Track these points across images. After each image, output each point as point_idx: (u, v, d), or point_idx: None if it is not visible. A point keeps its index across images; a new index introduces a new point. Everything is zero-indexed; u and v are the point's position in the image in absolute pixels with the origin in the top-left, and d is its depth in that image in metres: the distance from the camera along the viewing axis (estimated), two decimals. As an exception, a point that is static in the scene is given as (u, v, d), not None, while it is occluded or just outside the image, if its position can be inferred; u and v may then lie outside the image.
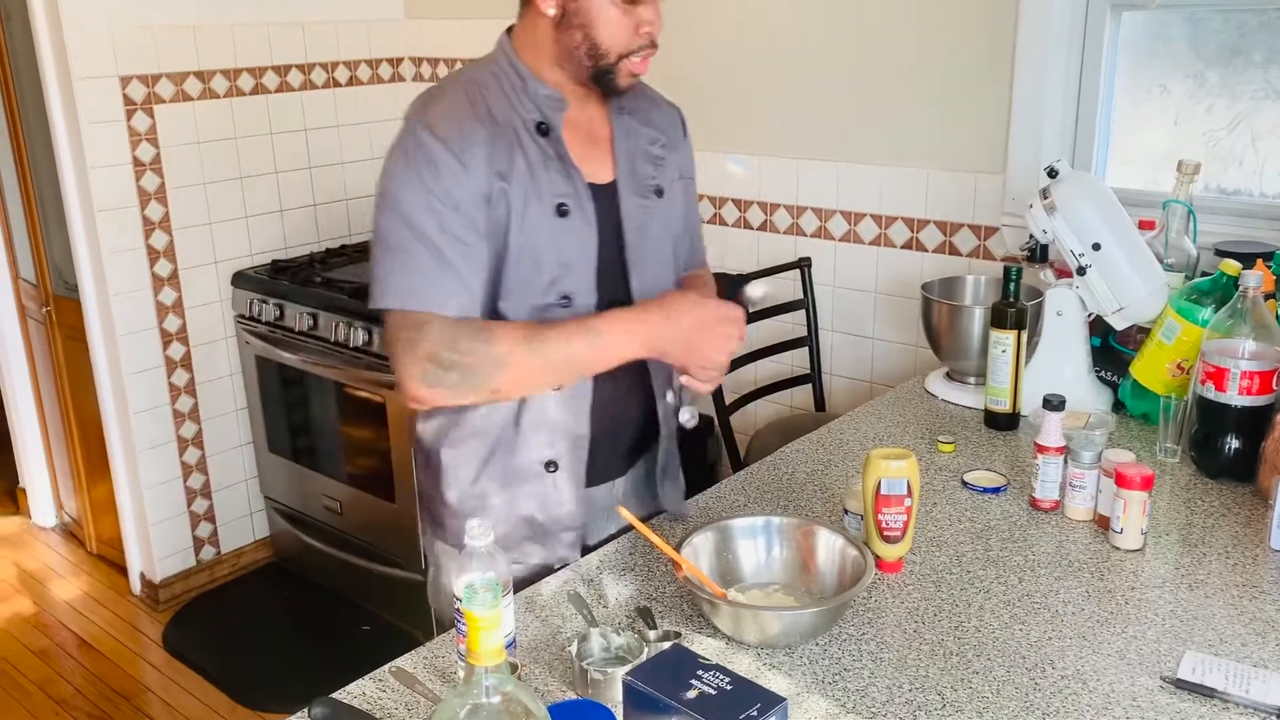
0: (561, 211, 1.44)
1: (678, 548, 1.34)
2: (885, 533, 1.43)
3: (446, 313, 1.38)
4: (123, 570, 3.41)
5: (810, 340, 2.69)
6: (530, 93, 1.45)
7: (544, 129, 1.45)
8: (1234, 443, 1.67)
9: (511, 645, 1.23)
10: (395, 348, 1.40)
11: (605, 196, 1.49)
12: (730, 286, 1.57)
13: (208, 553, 3.40)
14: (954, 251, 2.51)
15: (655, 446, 1.62)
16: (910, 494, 1.42)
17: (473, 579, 1.13)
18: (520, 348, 1.36)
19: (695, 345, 1.40)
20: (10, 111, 3.26)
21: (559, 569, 1.52)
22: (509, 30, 1.50)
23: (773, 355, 2.69)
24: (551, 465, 1.51)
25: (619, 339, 1.39)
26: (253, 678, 2.95)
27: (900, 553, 1.45)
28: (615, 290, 1.50)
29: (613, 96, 1.49)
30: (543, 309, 1.45)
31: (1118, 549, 1.50)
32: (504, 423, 1.49)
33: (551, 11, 1.41)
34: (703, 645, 1.29)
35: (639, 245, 1.51)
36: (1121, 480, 1.48)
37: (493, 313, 1.45)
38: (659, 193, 1.55)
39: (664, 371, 1.56)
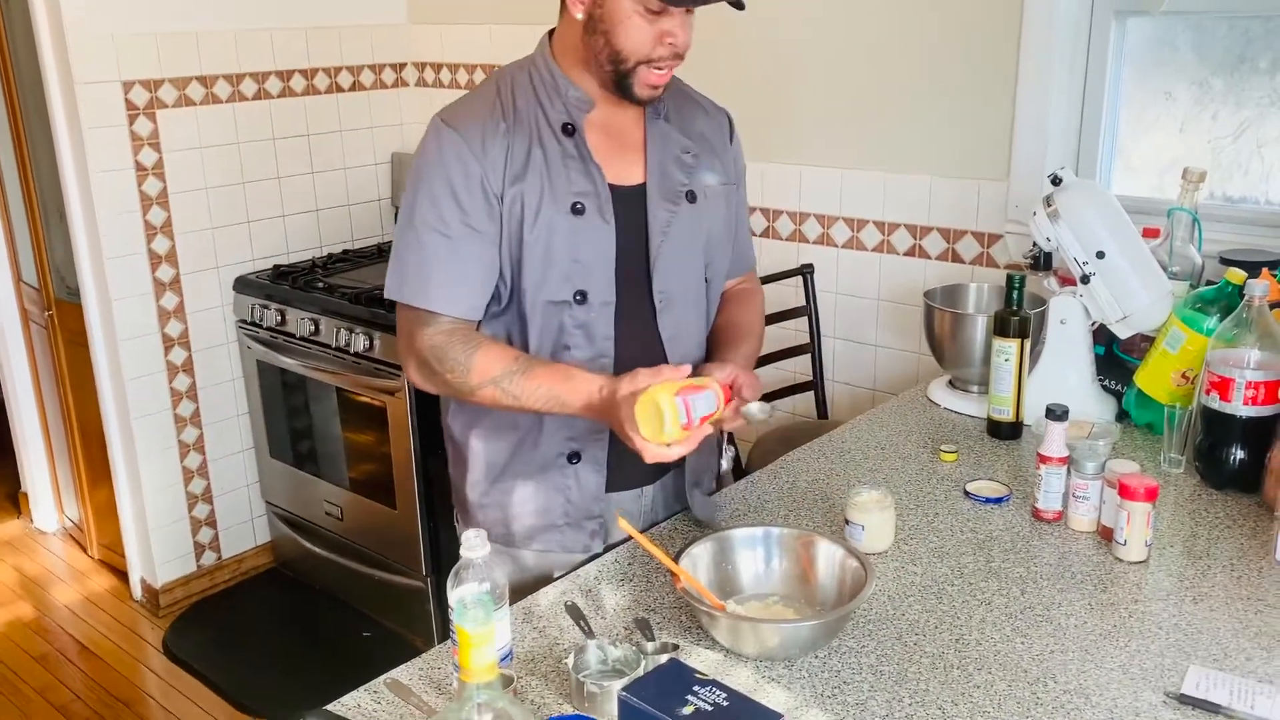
0: (576, 209, 1.46)
1: (676, 558, 1.33)
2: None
3: (447, 312, 1.47)
4: (124, 575, 3.40)
5: (813, 347, 2.67)
6: (561, 93, 1.48)
7: (569, 129, 1.47)
8: (1239, 453, 1.66)
9: (508, 657, 1.22)
10: (400, 337, 1.53)
11: (633, 199, 1.51)
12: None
13: (209, 558, 3.39)
14: (957, 258, 2.50)
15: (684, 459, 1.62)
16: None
17: (466, 592, 1.12)
18: (490, 386, 1.44)
19: (621, 430, 1.38)
20: (13, 115, 3.25)
21: (558, 576, 1.52)
22: (550, 32, 1.53)
23: (775, 362, 2.68)
24: (574, 456, 1.55)
25: (578, 412, 1.43)
26: (253, 683, 2.94)
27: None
28: (638, 291, 1.53)
29: (637, 104, 1.49)
30: (558, 305, 1.49)
31: (1121, 561, 1.49)
32: (528, 416, 1.52)
33: (580, 16, 1.43)
34: (701, 657, 1.28)
35: (664, 249, 1.52)
36: (1125, 491, 1.46)
37: (513, 305, 1.50)
38: (690, 197, 1.55)
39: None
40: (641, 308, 1.53)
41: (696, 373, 1.52)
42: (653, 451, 1.34)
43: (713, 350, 1.64)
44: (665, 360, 1.55)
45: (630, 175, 1.52)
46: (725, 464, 1.57)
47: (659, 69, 1.43)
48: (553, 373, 1.43)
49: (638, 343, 1.54)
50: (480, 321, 1.53)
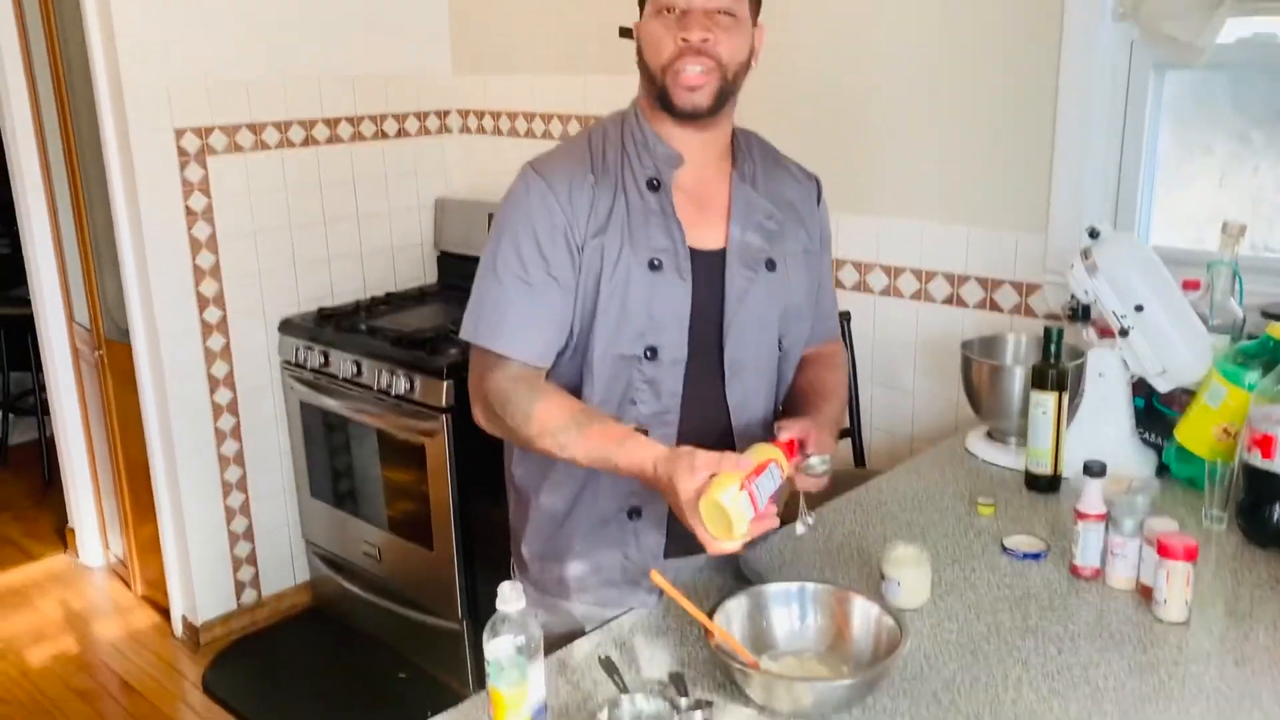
0: (654, 265, 1.47)
1: (711, 613, 1.34)
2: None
3: (517, 355, 1.48)
4: (166, 612, 3.45)
5: (850, 394, 2.67)
6: (650, 148, 1.50)
7: (655, 184, 1.49)
8: (1282, 512, 1.64)
9: (542, 710, 1.22)
10: (471, 378, 1.54)
11: (712, 263, 1.52)
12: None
13: (249, 596, 3.43)
14: (995, 307, 2.50)
15: None
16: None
17: (501, 647, 1.13)
18: (547, 437, 1.43)
19: (683, 518, 1.33)
20: (70, 161, 3.35)
21: (590, 629, 1.52)
22: None
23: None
24: (635, 512, 1.56)
25: (629, 475, 1.40)
26: (289, 723, 2.96)
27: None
28: (709, 356, 1.53)
29: (682, 116, 1.47)
30: (627, 359, 1.49)
31: (1161, 621, 1.47)
32: (591, 469, 1.51)
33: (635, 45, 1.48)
34: (735, 714, 1.28)
35: (739, 316, 1.52)
36: (1164, 550, 1.45)
37: (576, 357, 1.51)
38: (770, 265, 1.55)
39: (751, 441, 1.57)
40: (711, 372, 1.53)
41: (769, 431, 1.53)
42: (720, 547, 1.30)
43: (792, 411, 1.61)
44: (729, 425, 1.55)
45: (711, 239, 1.53)
46: (801, 529, 1.50)
47: (689, 70, 1.43)
48: (607, 434, 1.41)
49: (703, 406, 1.53)
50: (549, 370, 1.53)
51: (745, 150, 1.59)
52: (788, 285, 1.58)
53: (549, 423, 1.43)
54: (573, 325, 1.51)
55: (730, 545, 1.30)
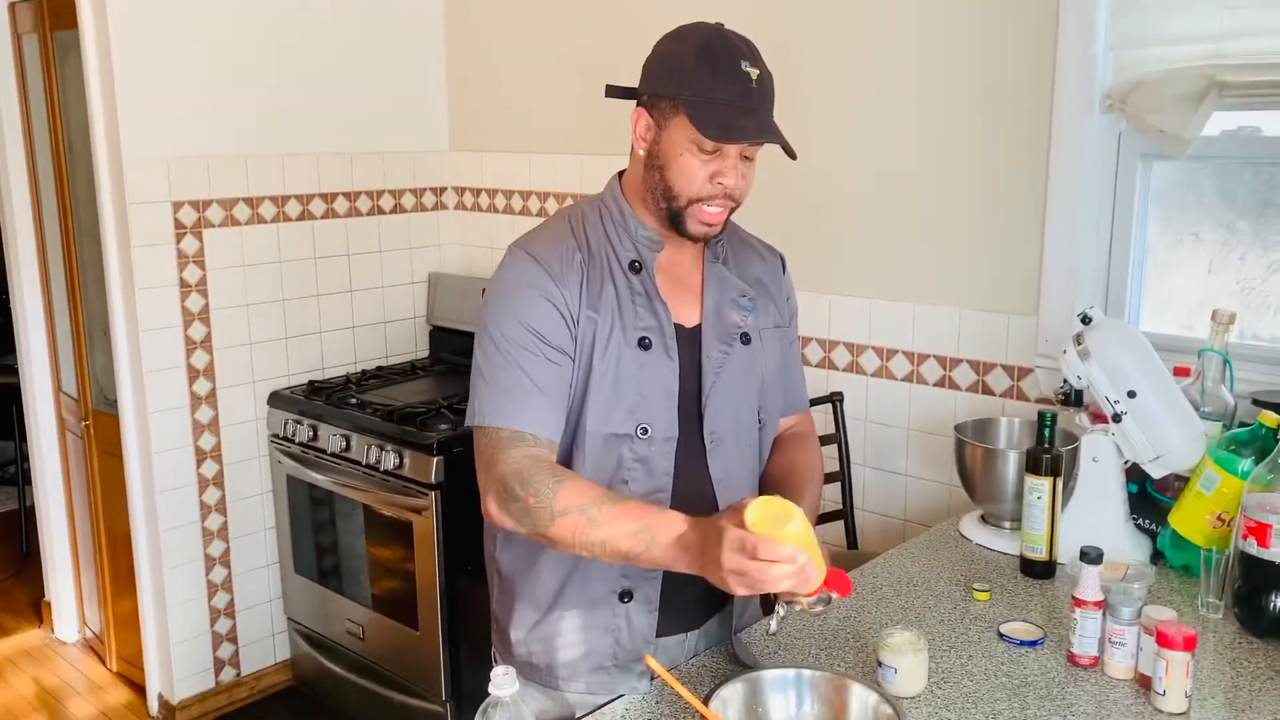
0: (644, 344, 1.49)
1: (707, 699, 1.31)
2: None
3: (531, 430, 1.44)
4: (141, 690, 3.37)
5: (842, 475, 2.67)
6: (630, 231, 1.53)
7: (636, 266, 1.51)
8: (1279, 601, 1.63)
9: (533, 800, 1.19)
10: (479, 463, 1.48)
11: (690, 338, 1.54)
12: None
13: (228, 674, 3.35)
14: (987, 391, 2.50)
15: (730, 602, 1.61)
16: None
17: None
18: (576, 514, 1.36)
19: (721, 581, 1.28)
20: (65, 231, 3.37)
21: (584, 715, 1.49)
22: (621, 173, 1.58)
23: (804, 490, 2.66)
24: (626, 595, 1.53)
25: (668, 556, 1.33)
26: (265, 808, 2.87)
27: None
28: (690, 430, 1.54)
29: (692, 241, 1.52)
30: (619, 438, 1.49)
31: (1161, 712, 1.45)
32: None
33: (642, 152, 1.49)
34: (730, 805, 1.25)
35: (716, 389, 1.54)
36: (1163, 640, 1.44)
37: (574, 432, 1.50)
38: (745, 339, 1.58)
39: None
40: (694, 446, 1.54)
41: None
42: (757, 570, 1.22)
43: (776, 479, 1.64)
44: (714, 499, 1.55)
45: (687, 316, 1.55)
46: (774, 625, 1.48)
47: (711, 208, 1.46)
48: (644, 506, 1.39)
49: (688, 481, 1.53)
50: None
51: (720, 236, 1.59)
52: (762, 358, 1.61)
53: (577, 500, 1.37)
54: (574, 399, 1.50)
55: (764, 569, 1.22)
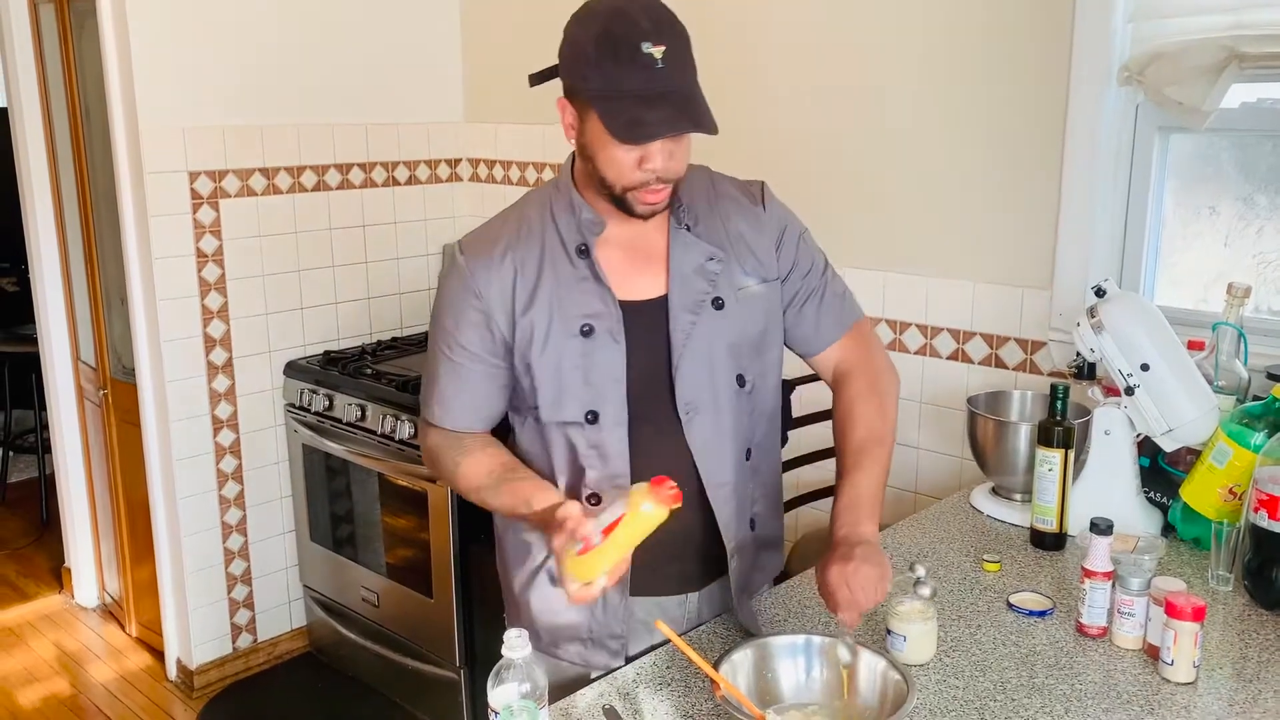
0: (585, 331, 1.48)
1: (716, 664, 1.33)
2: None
3: (443, 424, 1.58)
4: (160, 654, 3.42)
5: (854, 448, 2.67)
6: (576, 214, 1.51)
7: (583, 250, 1.50)
8: (1289, 573, 1.63)
9: (545, 760, 1.21)
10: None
11: (654, 312, 1.52)
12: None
13: (244, 640, 3.40)
14: (1000, 364, 2.50)
15: (732, 562, 1.61)
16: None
17: (507, 694, 1.13)
18: (473, 495, 1.56)
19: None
20: (83, 201, 3.39)
21: (595, 678, 1.51)
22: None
23: (815, 462, 2.67)
24: None
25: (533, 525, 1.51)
26: (282, 771, 2.92)
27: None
28: (663, 405, 1.52)
29: (643, 219, 1.47)
30: (571, 425, 1.52)
31: (1168, 681, 1.46)
32: None
33: (571, 143, 1.47)
34: (739, 767, 1.26)
35: (684, 359, 1.51)
36: (1172, 610, 1.45)
37: (534, 424, 1.56)
38: (717, 304, 1.53)
39: (729, 492, 1.57)
40: (669, 421, 1.52)
41: (745, 471, 1.58)
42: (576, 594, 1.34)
43: (837, 469, 1.58)
44: (696, 471, 1.53)
45: (652, 288, 1.52)
46: (845, 655, 1.38)
47: (648, 193, 1.42)
48: (514, 493, 1.50)
49: (665, 459, 1.51)
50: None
51: (683, 195, 1.53)
52: (740, 320, 1.55)
53: (472, 481, 1.54)
54: (521, 396, 1.56)
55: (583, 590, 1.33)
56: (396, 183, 3.55)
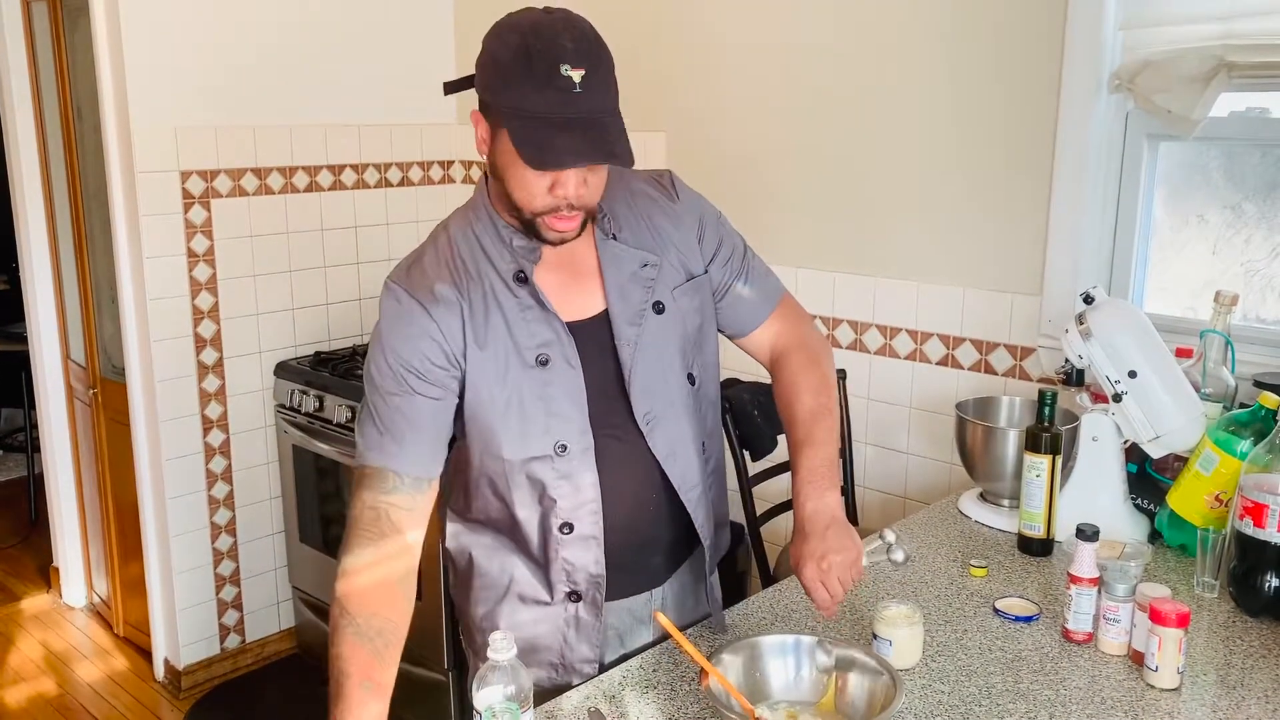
0: (541, 361, 1.44)
1: (707, 659, 1.33)
2: None
3: (391, 467, 1.41)
4: (147, 655, 3.41)
5: (844, 452, 2.68)
6: (506, 241, 1.44)
7: (521, 277, 1.44)
8: (1274, 581, 1.64)
9: (530, 762, 1.21)
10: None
11: (598, 328, 1.48)
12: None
13: (233, 641, 3.39)
14: (990, 370, 2.51)
15: (698, 551, 1.61)
16: None
17: (491, 697, 1.13)
18: (339, 619, 1.43)
19: None
20: (74, 200, 3.38)
21: (579, 683, 1.51)
22: (486, 176, 1.46)
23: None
24: (574, 595, 1.53)
25: None
26: (269, 773, 2.91)
27: None
28: (621, 419, 1.49)
29: (553, 246, 1.42)
30: (540, 460, 1.46)
31: (1153, 687, 1.47)
32: (526, 554, 1.53)
33: (483, 158, 1.40)
34: (724, 770, 1.27)
35: (636, 369, 1.48)
36: (1157, 617, 1.45)
37: (490, 465, 1.48)
38: (658, 308, 1.50)
39: (700, 494, 1.57)
40: (629, 433, 1.49)
41: (706, 474, 1.56)
42: None
43: (789, 445, 1.54)
44: (664, 478, 1.51)
45: (591, 306, 1.48)
46: (900, 555, 1.46)
47: (558, 220, 1.36)
48: (355, 699, 1.40)
49: (632, 476, 1.50)
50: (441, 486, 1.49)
51: (602, 201, 1.47)
52: (680, 319, 1.52)
53: (338, 612, 1.42)
54: (469, 438, 1.48)
55: None
56: (389, 184, 3.55)
